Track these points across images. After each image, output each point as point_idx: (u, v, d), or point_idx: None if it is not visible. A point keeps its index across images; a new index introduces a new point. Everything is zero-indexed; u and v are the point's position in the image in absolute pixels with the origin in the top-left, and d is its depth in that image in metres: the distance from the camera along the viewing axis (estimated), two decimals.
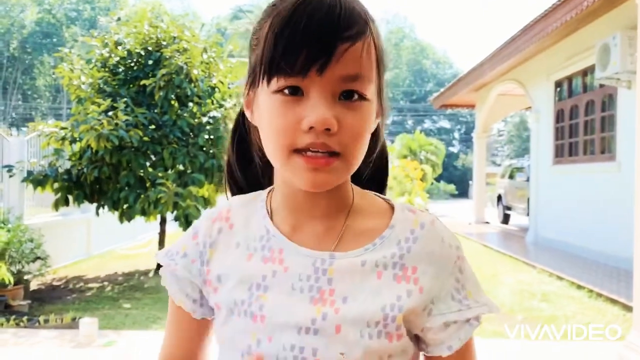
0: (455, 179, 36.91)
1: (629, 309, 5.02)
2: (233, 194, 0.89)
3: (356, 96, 0.70)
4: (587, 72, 8.85)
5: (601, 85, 8.16)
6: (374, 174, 0.88)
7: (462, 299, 0.75)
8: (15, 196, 7.30)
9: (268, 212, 0.80)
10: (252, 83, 0.75)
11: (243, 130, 0.88)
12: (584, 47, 8.33)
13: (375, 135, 0.82)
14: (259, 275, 0.76)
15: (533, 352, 4.41)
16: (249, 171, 0.88)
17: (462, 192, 33.12)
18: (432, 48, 53.82)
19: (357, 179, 0.84)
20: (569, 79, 9.58)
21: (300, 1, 0.68)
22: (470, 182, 25.91)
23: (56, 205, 6.81)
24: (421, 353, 0.79)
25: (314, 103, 0.68)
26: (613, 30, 6.97)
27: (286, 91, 0.69)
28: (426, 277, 0.74)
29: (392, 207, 0.80)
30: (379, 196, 0.84)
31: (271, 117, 0.70)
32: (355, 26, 0.69)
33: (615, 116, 7.98)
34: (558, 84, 10.00)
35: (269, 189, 0.83)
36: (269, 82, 0.70)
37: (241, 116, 0.88)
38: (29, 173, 7.04)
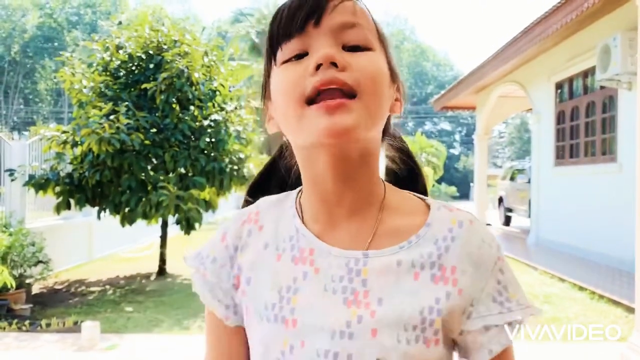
0: (457, 181, 36.88)
1: (631, 310, 5.02)
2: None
3: (360, 48, 0.70)
4: (587, 73, 8.85)
5: (602, 87, 8.16)
6: (406, 174, 0.88)
7: (504, 301, 0.71)
8: (17, 200, 7.31)
9: (298, 212, 0.77)
10: (266, 85, 0.76)
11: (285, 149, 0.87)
12: (585, 49, 8.33)
13: (400, 148, 0.85)
14: (289, 277, 0.73)
15: (535, 353, 4.40)
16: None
17: (464, 194, 33.09)
18: (433, 50, 53.87)
19: (390, 180, 0.83)
20: (570, 80, 9.58)
21: None
22: (471, 184, 25.90)
23: (58, 208, 6.82)
24: None
25: (317, 49, 0.68)
26: (613, 32, 6.97)
27: (293, 59, 0.70)
28: (466, 277, 0.70)
29: (427, 205, 0.77)
30: (413, 194, 0.80)
31: (280, 83, 0.71)
32: None
33: (616, 117, 7.98)
34: (559, 86, 10.00)
35: (298, 189, 0.81)
36: (275, 57, 0.71)
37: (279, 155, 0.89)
38: (31, 177, 7.06)
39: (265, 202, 0.82)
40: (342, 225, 0.74)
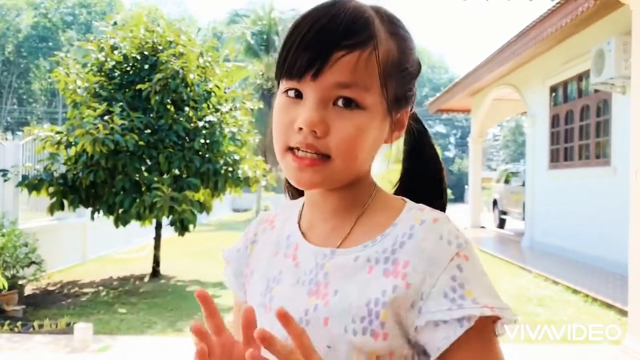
0: (451, 184, 36.89)
1: (624, 313, 5.03)
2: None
3: (353, 104, 0.72)
4: (582, 77, 8.89)
5: (596, 91, 8.20)
6: (424, 185, 0.90)
7: (457, 298, 0.69)
8: (10, 200, 7.27)
9: (299, 214, 0.86)
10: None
11: None
12: (579, 53, 8.36)
13: (420, 152, 0.89)
14: (277, 269, 0.82)
15: (531, 355, 4.41)
16: None
17: (458, 196, 33.15)
18: (428, 53, 53.95)
19: (408, 192, 0.86)
20: (564, 84, 9.62)
21: (314, 8, 0.74)
22: (466, 186, 25.94)
23: (51, 209, 6.79)
24: None
25: (306, 105, 0.72)
26: (608, 36, 7.01)
27: (290, 93, 0.74)
28: (417, 273, 0.71)
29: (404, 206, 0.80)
30: (402, 198, 0.82)
31: (276, 115, 0.76)
32: (356, 37, 0.71)
33: (610, 121, 8.01)
34: (553, 89, 10.04)
35: None
36: (279, 83, 0.76)
37: None
38: (24, 177, 7.02)
39: (285, 205, 0.92)
40: (323, 225, 0.81)
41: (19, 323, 5.09)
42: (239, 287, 0.90)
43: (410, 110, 0.83)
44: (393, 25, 0.76)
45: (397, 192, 0.88)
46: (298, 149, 0.73)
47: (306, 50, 0.71)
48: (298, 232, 0.83)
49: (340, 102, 0.72)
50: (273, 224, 0.89)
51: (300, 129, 0.72)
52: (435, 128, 49.02)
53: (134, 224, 7.18)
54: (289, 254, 0.82)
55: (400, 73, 0.76)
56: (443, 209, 0.87)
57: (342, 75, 0.71)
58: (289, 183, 0.93)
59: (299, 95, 0.73)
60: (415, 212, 0.78)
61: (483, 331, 0.70)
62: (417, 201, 0.81)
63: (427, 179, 0.90)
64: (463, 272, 0.71)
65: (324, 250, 0.78)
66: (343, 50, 0.70)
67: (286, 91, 0.74)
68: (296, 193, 0.92)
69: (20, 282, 6.11)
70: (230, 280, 0.92)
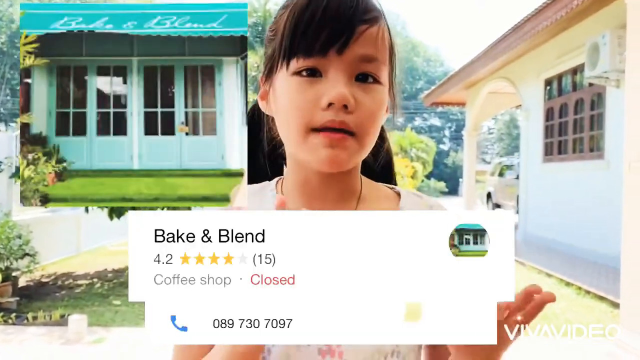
0: (446, 177, 37.03)
1: (616, 305, 5.07)
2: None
3: (371, 79, 0.72)
4: (576, 70, 8.90)
5: (590, 84, 8.21)
6: (382, 168, 0.92)
7: None
8: (4, 192, 7.24)
9: None
10: (269, 73, 0.77)
11: (254, 125, 0.90)
12: (574, 46, 8.37)
13: (382, 131, 0.87)
14: None
15: (523, 351, 4.44)
16: (257, 165, 0.91)
17: (453, 189, 33.23)
18: (424, 46, 53.93)
19: (366, 172, 0.87)
20: (559, 77, 9.63)
21: None
22: (460, 179, 26.00)
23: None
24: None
25: (333, 82, 0.70)
26: (603, 30, 7.01)
27: (304, 72, 0.71)
28: None
29: (397, 193, 0.85)
30: (385, 185, 0.86)
31: (290, 97, 0.72)
32: (373, 11, 0.73)
33: (604, 115, 8.04)
34: (548, 83, 10.05)
35: (276, 179, 0.86)
36: (288, 64, 0.72)
37: (252, 112, 0.91)
38: (18, 169, 6.98)
39: (248, 190, 0.86)
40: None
41: (12, 315, 5.08)
42: None
43: (392, 99, 0.83)
44: (381, 5, 0.78)
45: None
46: (325, 127, 0.70)
47: (329, 25, 0.69)
48: None
49: (360, 78, 0.72)
50: (241, 210, 0.84)
51: (329, 105, 0.69)
52: (430, 121, 49.05)
53: (128, 216, 7.16)
54: None
55: (395, 53, 0.79)
56: None
57: (366, 48, 0.71)
58: (251, 178, 0.90)
59: (312, 73, 0.71)
60: (414, 197, 0.83)
61: None
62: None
63: (381, 170, 0.92)
64: None
65: None
66: (365, 25, 0.71)
67: (299, 72, 0.71)
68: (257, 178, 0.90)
69: (14, 274, 6.09)
70: None
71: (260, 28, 22.01)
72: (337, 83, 0.70)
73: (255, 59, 20.74)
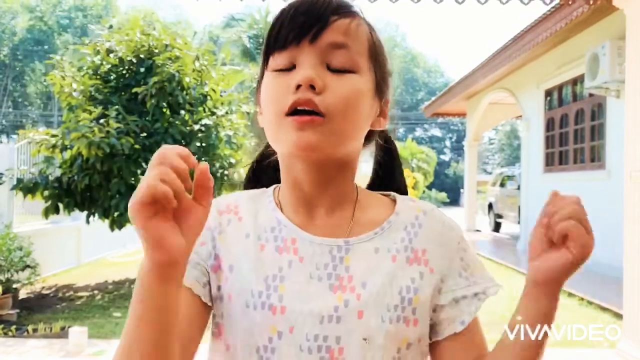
0: (447, 187, 37.01)
1: (619, 316, 5.05)
2: None
3: (346, 70, 0.74)
4: (577, 81, 8.92)
5: (591, 95, 8.23)
6: (381, 178, 0.93)
7: (469, 275, 0.79)
8: (5, 204, 7.24)
9: (277, 205, 0.82)
10: (259, 83, 0.80)
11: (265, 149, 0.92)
12: (574, 57, 8.40)
13: (379, 137, 0.89)
14: (274, 266, 0.76)
15: None
16: (271, 172, 0.91)
17: (454, 200, 33.21)
18: (424, 57, 54.12)
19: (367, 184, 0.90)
20: (559, 88, 9.65)
21: None
22: (461, 190, 25.98)
23: (46, 213, 6.76)
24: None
25: (302, 66, 0.73)
26: (602, 40, 7.04)
27: (282, 66, 0.74)
28: (435, 257, 0.78)
29: (393, 200, 0.85)
30: (381, 193, 0.87)
31: (267, 89, 0.76)
32: (346, 7, 0.76)
33: (605, 125, 8.05)
34: (548, 93, 10.07)
35: (274, 186, 0.86)
36: (267, 62, 0.76)
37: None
38: (19, 180, 6.99)
39: (243, 196, 0.86)
40: (322, 218, 0.80)
41: (13, 327, 5.06)
42: (196, 282, 0.76)
43: (387, 105, 0.84)
44: (371, 26, 0.80)
45: None
46: (295, 109, 0.71)
47: (301, 18, 0.73)
48: (291, 225, 0.79)
49: (334, 70, 0.73)
50: (239, 215, 0.82)
51: (298, 87, 0.71)
52: (430, 132, 49.11)
53: (129, 227, 7.15)
54: (287, 248, 0.77)
55: (381, 57, 0.80)
56: None
57: (337, 35, 0.73)
58: (251, 175, 0.93)
59: (290, 70, 0.74)
60: (409, 202, 0.84)
61: None
62: None
63: (389, 179, 0.94)
64: (467, 253, 0.81)
65: (336, 241, 0.77)
66: (338, 15, 0.74)
67: (277, 70, 0.75)
68: (256, 185, 0.90)
69: (14, 285, 6.08)
70: (188, 272, 0.75)
71: (261, 40, 22.13)
72: (306, 65, 0.72)
73: (256, 70, 20.81)
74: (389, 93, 0.83)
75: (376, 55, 0.79)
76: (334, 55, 0.73)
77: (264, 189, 0.87)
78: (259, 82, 0.80)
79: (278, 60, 0.74)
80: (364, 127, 0.78)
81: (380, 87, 0.80)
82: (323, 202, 0.79)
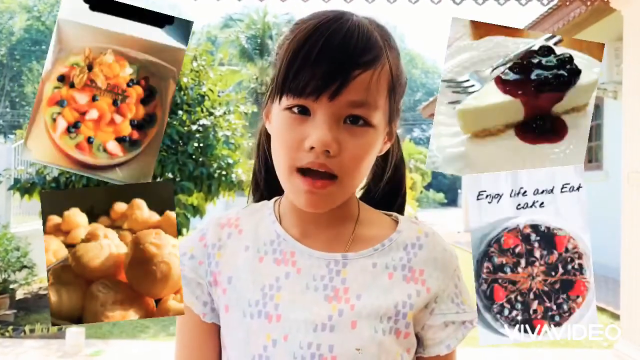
0: (445, 188, 37.03)
1: (616, 317, 5.05)
2: (257, 201, 0.91)
3: (361, 122, 0.72)
4: None
5: None
6: (386, 195, 0.92)
7: (460, 303, 0.81)
8: (2, 204, 7.23)
9: (277, 218, 0.82)
10: (270, 96, 0.78)
11: (265, 140, 0.90)
12: None
13: (386, 158, 0.87)
14: (271, 276, 0.77)
15: (524, 358, 4.41)
16: (271, 180, 0.89)
17: (451, 200, 33.22)
18: (422, 58, 54.22)
19: (369, 199, 0.89)
20: None
21: (320, 23, 0.70)
22: (459, 190, 26.01)
23: None
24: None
25: (318, 124, 0.70)
26: (599, 41, 7.04)
27: (295, 109, 0.71)
28: (432, 279, 0.79)
29: (395, 219, 0.85)
30: (384, 212, 0.87)
31: (279, 133, 0.74)
32: (370, 53, 0.71)
33: (602, 126, 8.06)
34: None
35: (275, 198, 0.86)
36: (280, 99, 0.72)
37: (264, 127, 0.90)
38: (16, 181, 6.98)
39: (245, 209, 0.86)
40: (321, 233, 0.81)
41: (10, 327, 5.05)
42: (195, 300, 0.80)
43: (396, 125, 0.83)
44: (389, 38, 0.77)
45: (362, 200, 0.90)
46: (308, 170, 0.71)
47: (322, 69, 0.68)
48: (290, 238, 0.80)
49: (349, 120, 0.72)
50: (239, 228, 0.83)
51: (312, 148, 0.70)
52: (428, 132, 48.96)
53: None
54: (285, 260, 0.78)
55: (399, 87, 0.78)
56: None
57: (357, 94, 0.70)
58: (255, 187, 0.91)
59: (303, 111, 0.71)
60: (410, 223, 0.84)
61: None
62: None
63: (393, 201, 0.93)
64: (460, 281, 0.82)
65: (334, 256, 0.78)
66: (359, 69, 0.70)
67: (290, 108, 0.72)
68: (260, 198, 0.90)
69: (11, 286, 6.07)
70: (188, 291, 0.80)
71: (259, 40, 22.12)
72: (322, 125, 0.70)
73: (254, 70, 20.81)
74: (401, 111, 0.82)
75: (394, 87, 0.77)
76: (352, 111, 0.71)
77: (265, 201, 0.87)
78: (271, 92, 0.77)
79: (292, 102, 0.71)
80: (367, 173, 0.81)
81: (392, 115, 0.78)
82: (323, 219, 0.80)
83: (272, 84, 0.76)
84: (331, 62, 0.68)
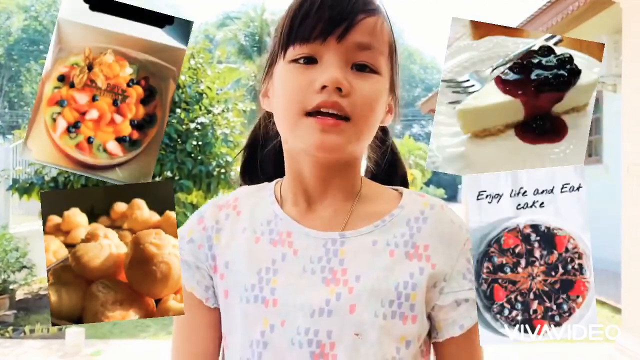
0: (445, 183, 37.03)
1: (617, 310, 5.06)
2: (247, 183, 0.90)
3: (368, 69, 0.73)
4: None
5: None
6: (387, 176, 0.91)
7: (472, 279, 0.74)
8: (1, 204, 7.22)
9: (277, 199, 0.81)
10: (270, 66, 0.78)
11: (260, 132, 0.91)
12: None
13: (386, 135, 0.88)
14: (268, 259, 0.75)
15: (524, 353, 4.42)
16: (267, 161, 0.90)
17: (452, 196, 33.23)
18: (420, 53, 54.15)
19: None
20: None
21: None
22: (459, 186, 26.03)
23: None
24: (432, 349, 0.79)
25: (327, 66, 0.70)
26: (598, 34, 7.04)
27: (301, 61, 0.72)
28: (438, 255, 0.75)
29: (400, 193, 0.82)
30: (389, 187, 0.85)
31: (285, 82, 0.73)
32: (372, 4, 0.73)
33: (602, 119, 8.06)
34: None
35: (276, 180, 0.84)
36: (285, 51, 0.73)
37: (262, 120, 0.91)
38: (15, 181, 6.97)
39: (244, 190, 0.85)
40: (319, 211, 0.78)
41: (10, 328, 5.05)
42: (197, 285, 0.79)
43: (396, 102, 0.83)
44: (385, 9, 0.78)
45: None
46: (318, 112, 0.70)
47: (328, 13, 0.70)
48: (287, 217, 0.78)
49: (356, 68, 0.72)
50: (237, 210, 0.81)
51: (323, 87, 0.69)
52: (427, 128, 49.16)
53: None
54: (282, 241, 0.76)
55: (396, 55, 0.79)
56: None
57: (363, 36, 0.72)
58: (244, 172, 0.91)
59: (309, 61, 0.72)
60: (416, 196, 0.80)
61: None
62: None
63: (388, 168, 0.92)
64: (472, 256, 0.76)
65: (331, 234, 0.75)
66: (365, 14, 0.72)
67: (295, 60, 0.72)
68: (253, 181, 0.89)
69: (11, 286, 6.06)
70: (183, 277, 0.78)
71: (257, 38, 22.09)
72: (331, 67, 0.70)
73: (253, 68, 20.78)
74: (398, 89, 0.82)
75: (393, 53, 0.78)
76: (359, 55, 0.72)
77: (266, 183, 0.85)
78: (269, 65, 0.78)
79: (298, 51, 0.72)
80: (377, 125, 0.78)
81: (393, 84, 0.79)
82: (325, 195, 0.78)
83: (271, 53, 0.77)
84: (337, 7, 0.70)
